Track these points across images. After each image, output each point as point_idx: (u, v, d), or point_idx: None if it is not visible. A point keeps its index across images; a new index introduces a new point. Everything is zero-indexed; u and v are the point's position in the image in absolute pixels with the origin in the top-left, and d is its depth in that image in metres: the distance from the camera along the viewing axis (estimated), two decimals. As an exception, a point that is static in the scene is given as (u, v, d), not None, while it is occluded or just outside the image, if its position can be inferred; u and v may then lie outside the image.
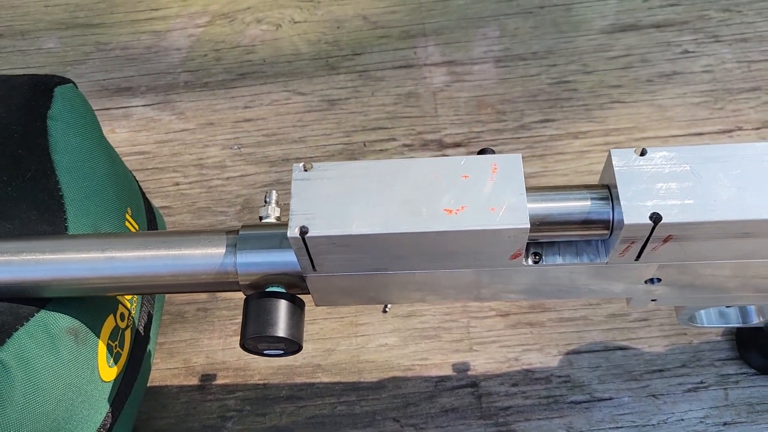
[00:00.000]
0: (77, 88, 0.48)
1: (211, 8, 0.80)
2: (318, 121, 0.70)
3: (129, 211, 0.49)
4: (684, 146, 0.34)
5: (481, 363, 0.55)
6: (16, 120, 0.45)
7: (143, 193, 0.55)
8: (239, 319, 0.58)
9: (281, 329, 0.37)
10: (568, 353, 0.55)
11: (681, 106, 0.68)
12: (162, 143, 0.70)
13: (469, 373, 0.54)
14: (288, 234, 0.34)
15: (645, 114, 0.67)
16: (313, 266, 0.36)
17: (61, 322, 0.41)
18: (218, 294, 0.60)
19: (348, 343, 0.57)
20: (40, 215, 0.43)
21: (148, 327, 0.51)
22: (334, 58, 0.75)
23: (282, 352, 0.39)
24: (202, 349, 0.57)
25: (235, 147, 0.69)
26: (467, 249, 0.34)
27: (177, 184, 0.67)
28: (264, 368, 0.56)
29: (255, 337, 0.37)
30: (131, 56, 0.77)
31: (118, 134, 0.71)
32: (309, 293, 0.40)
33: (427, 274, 0.37)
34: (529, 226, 0.33)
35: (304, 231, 0.34)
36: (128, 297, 0.48)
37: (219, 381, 0.55)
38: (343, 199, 0.34)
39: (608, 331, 0.55)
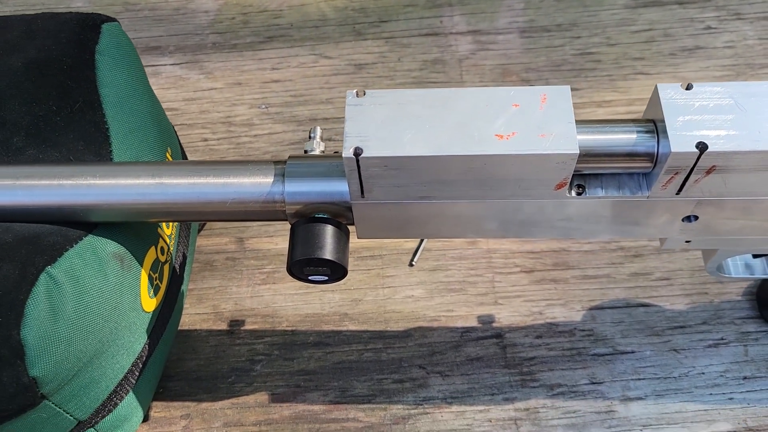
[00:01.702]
0: (121, 27, 0.49)
1: (239, -27, 0.81)
2: (345, 84, 0.71)
3: (169, 150, 0.50)
4: (729, 82, 0.35)
5: (506, 316, 0.56)
6: (66, 52, 0.45)
7: (179, 140, 0.56)
8: (267, 269, 0.59)
9: (329, 252, 0.38)
10: (591, 309, 0.56)
11: (703, 79, 0.69)
12: (190, 101, 0.71)
13: (494, 324, 0.55)
14: (343, 154, 0.35)
15: (668, 85, 0.68)
16: (362, 192, 0.37)
17: (108, 247, 0.41)
18: (246, 244, 0.61)
19: (375, 294, 0.58)
20: (87, 146, 0.44)
21: (182, 267, 0.52)
22: (361, 24, 0.76)
23: (327, 278, 0.40)
24: (231, 297, 0.58)
25: (263, 106, 0.70)
26: (515, 175, 0.35)
27: (205, 139, 0.68)
28: (292, 315, 0.57)
29: (302, 259, 0.38)
30: (159, 17, 0.78)
31: (147, 90, 0.71)
32: (353, 224, 0.40)
33: (471, 204, 0.38)
34: (578, 152, 0.34)
35: (358, 152, 0.35)
36: (168, 232, 0.49)
37: (247, 327, 0.56)
38: (395, 124, 0.35)
39: (631, 289, 0.56)
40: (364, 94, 0.36)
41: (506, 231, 0.41)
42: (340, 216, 0.40)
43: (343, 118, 0.68)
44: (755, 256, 0.48)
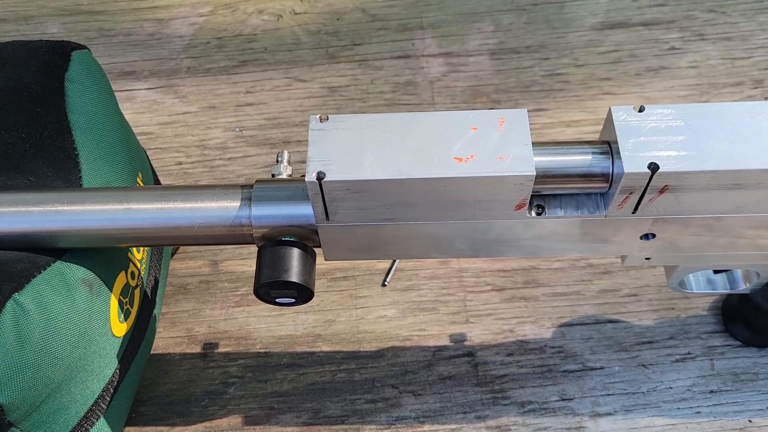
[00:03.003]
0: (92, 54, 0.50)
1: (214, -1, 0.82)
2: (318, 107, 0.72)
3: (140, 175, 0.51)
4: (679, 104, 0.36)
5: (477, 334, 0.56)
6: (35, 80, 0.46)
7: (151, 164, 0.56)
8: (241, 291, 0.60)
9: (295, 275, 0.38)
10: (561, 326, 0.56)
11: (668, 99, 0.71)
12: (165, 125, 0.71)
13: (466, 343, 0.56)
14: (306, 178, 0.35)
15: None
16: (327, 215, 0.38)
17: (77, 272, 0.42)
18: (220, 267, 0.61)
19: (348, 314, 0.58)
20: (56, 172, 0.44)
21: (154, 291, 0.52)
22: (334, 47, 0.77)
23: (293, 300, 0.40)
24: (205, 319, 0.58)
25: (237, 129, 0.71)
26: (475, 197, 0.36)
27: (180, 163, 0.68)
28: (265, 337, 0.57)
29: (269, 282, 0.38)
30: (134, 42, 0.78)
31: (122, 115, 0.72)
32: (320, 246, 0.41)
33: (433, 225, 0.39)
34: (534, 173, 0.35)
35: (321, 176, 0.35)
36: (138, 257, 0.49)
37: (221, 349, 0.57)
38: (357, 148, 0.36)
39: (600, 306, 0.57)
40: (327, 118, 0.37)
41: (471, 251, 0.41)
42: (306, 239, 0.40)
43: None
44: (716, 271, 0.49)
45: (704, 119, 0.36)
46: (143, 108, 0.73)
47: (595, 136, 0.68)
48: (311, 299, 0.40)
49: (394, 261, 0.60)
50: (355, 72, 0.75)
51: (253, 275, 0.60)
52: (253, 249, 0.62)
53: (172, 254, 0.61)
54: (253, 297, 0.59)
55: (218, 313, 0.59)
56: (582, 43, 0.76)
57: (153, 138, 0.70)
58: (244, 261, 0.61)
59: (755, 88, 0.71)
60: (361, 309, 0.58)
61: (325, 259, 0.42)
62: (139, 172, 0.51)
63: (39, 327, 0.39)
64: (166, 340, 0.57)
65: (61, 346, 0.40)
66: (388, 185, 0.36)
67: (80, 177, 0.45)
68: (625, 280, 0.59)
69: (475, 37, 0.77)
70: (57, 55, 0.47)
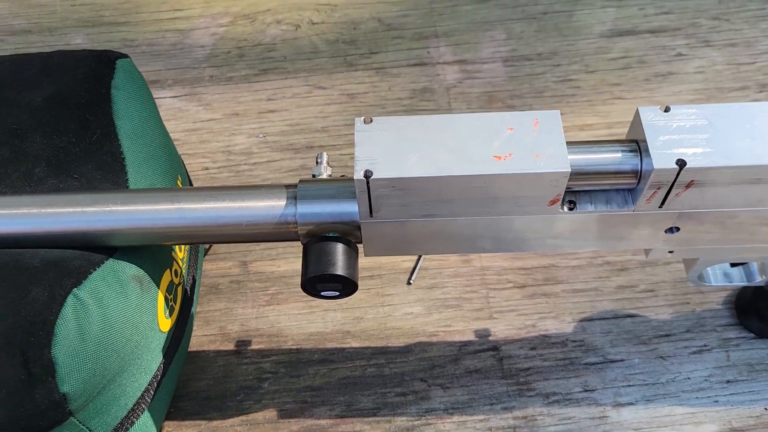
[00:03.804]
0: (133, 62, 0.52)
1: (233, 10, 0.84)
2: (339, 113, 0.74)
3: (179, 178, 0.53)
4: (702, 104, 0.39)
5: (501, 329, 0.59)
6: (84, 87, 0.48)
7: (186, 168, 0.58)
8: (271, 291, 0.62)
9: (340, 268, 0.41)
10: (581, 320, 0.59)
11: (677, 103, 0.73)
12: (190, 131, 0.73)
13: (490, 338, 0.58)
14: (354, 176, 0.38)
15: (644, 109, 0.73)
16: (371, 211, 0.40)
17: (128, 270, 0.44)
18: (250, 267, 0.63)
19: (375, 311, 0.60)
20: (104, 175, 0.46)
21: (192, 289, 0.54)
22: (352, 56, 0.79)
23: (338, 293, 0.42)
24: (237, 318, 0.60)
25: (261, 135, 0.73)
26: (512, 193, 0.39)
27: (206, 168, 0.70)
28: (296, 334, 0.59)
29: (316, 276, 0.41)
30: (157, 52, 0.81)
31: (148, 122, 0.74)
32: (361, 242, 0.43)
33: (469, 221, 0.41)
34: (569, 170, 0.37)
35: (368, 174, 0.38)
36: (180, 256, 0.51)
37: (254, 346, 0.59)
38: (401, 147, 0.38)
39: (618, 301, 0.60)
40: (371, 121, 0.40)
41: (503, 246, 0.44)
42: (349, 235, 0.42)
43: (339, 145, 0.72)
44: (733, 265, 0.51)
45: (727, 118, 0.38)
46: (169, 115, 0.75)
47: (608, 138, 0.71)
48: (355, 292, 0.43)
49: (419, 260, 0.62)
50: (373, 79, 0.77)
51: (283, 275, 0.62)
52: (282, 250, 0.64)
53: (204, 254, 0.63)
54: (284, 296, 0.61)
55: (249, 311, 0.61)
56: (592, 50, 0.78)
57: (179, 144, 0.72)
58: (272, 261, 0.63)
59: (760, 92, 0.73)
60: (388, 306, 0.60)
61: (365, 255, 0.44)
62: (179, 175, 0.53)
63: (97, 320, 0.41)
64: (200, 338, 0.59)
65: (117, 338, 0.42)
66: (430, 182, 0.38)
67: (127, 180, 0.47)
68: (642, 277, 0.61)
69: (488, 45, 0.80)
70: (103, 64, 0.49)
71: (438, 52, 0.79)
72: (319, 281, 0.41)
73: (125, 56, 0.51)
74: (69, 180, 0.46)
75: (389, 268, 0.63)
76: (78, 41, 0.82)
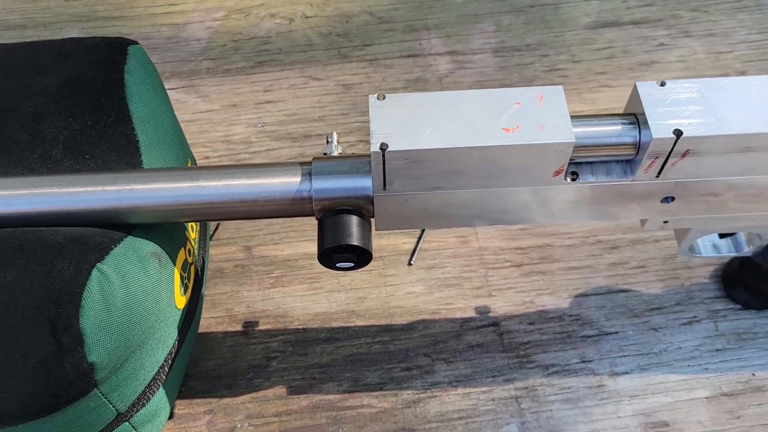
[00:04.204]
0: (143, 49, 0.53)
1: (227, 4, 0.86)
2: (335, 103, 0.76)
3: (189, 161, 0.54)
4: (696, 78, 0.41)
5: (500, 306, 0.61)
6: (98, 72, 0.49)
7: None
8: (276, 273, 0.63)
9: (356, 239, 0.42)
10: (577, 296, 0.61)
11: (660, 90, 0.76)
12: (189, 122, 0.75)
13: (490, 314, 0.60)
14: (371, 149, 0.39)
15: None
16: (384, 184, 0.42)
17: (147, 247, 0.45)
18: (254, 251, 0.65)
19: (378, 291, 0.62)
20: (119, 156, 0.48)
21: (202, 270, 0.55)
22: (346, 48, 0.81)
23: (353, 264, 0.44)
24: (243, 300, 0.62)
25: (259, 125, 0.74)
26: (519, 163, 0.41)
27: (207, 157, 0.72)
28: (302, 315, 0.61)
29: (332, 247, 0.42)
30: (153, 46, 0.82)
31: (147, 113, 0.75)
32: (373, 216, 0.45)
33: (479, 193, 0.43)
34: (574, 140, 0.39)
35: (383, 147, 0.40)
36: (193, 236, 0.52)
37: (261, 327, 0.60)
38: (414, 122, 0.40)
39: (611, 277, 0.62)
40: (384, 97, 0.41)
41: (510, 218, 0.46)
42: (362, 209, 0.44)
43: (338, 133, 0.73)
44: (721, 236, 0.54)
45: (719, 92, 0.41)
46: (167, 107, 0.76)
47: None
48: (369, 262, 0.44)
49: (419, 242, 0.64)
50: (367, 70, 0.79)
51: (286, 259, 0.64)
52: (285, 235, 0.66)
53: (210, 239, 0.64)
54: (288, 278, 0.63)
55: (255, 294, 0.62)
56: (578, 41, 0.81)
57: (179, 134, 0.73)
58: (276, 246, 0.65)
59: (739, 79, 0.76)
60: (390, 286, 0.62)
61: (377, 229, 0.46)
62: (188, 159, 0.54)
63: (121, 293, 0.42)
64: (208, 320, 0.60)
65: (139, 311, 0.43)
66: (443, 154, 0.40)
67: (141, 161, 0.48)
68: (633, 254, 0.64)
69: (478, 36, 0.82)
70: (115, 50, 0.51)
71: (429, 43, 0.81)
72: (335, 252, 0.43)
73: (136, 43, 0.53)
74: (85, 161, 0.47)
75: (390, 250, 0.65)
76: (73, 35, 0.83)
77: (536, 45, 0.81)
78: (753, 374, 0.57)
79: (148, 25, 0.84)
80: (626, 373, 0.57)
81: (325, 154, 0.47)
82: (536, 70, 0.79)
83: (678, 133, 0.39)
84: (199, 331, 0.60)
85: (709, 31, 0.81)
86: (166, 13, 0.85)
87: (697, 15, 0.82)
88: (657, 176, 0.42)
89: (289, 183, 0.44)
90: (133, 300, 0.43)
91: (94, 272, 0.41)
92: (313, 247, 0.65)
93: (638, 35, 0.81)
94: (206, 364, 0.58)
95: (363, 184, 0.43)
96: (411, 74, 0.79)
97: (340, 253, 0.43)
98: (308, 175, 0.44)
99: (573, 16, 0.83)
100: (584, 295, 0.61)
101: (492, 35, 0.82)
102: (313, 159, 0.45)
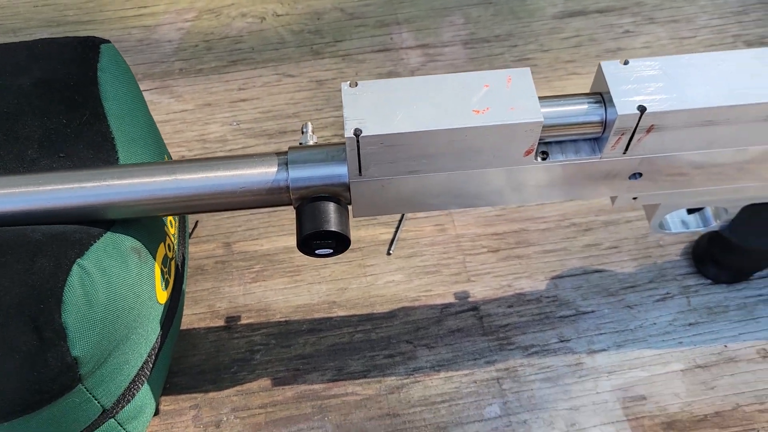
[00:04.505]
0: (115, 47, 0.54)
1: (197, 5, 0.86)
2: (309, 99, 0.77)
3: (166, 157, 0.55)
4: (657, 56, 0.43)
5: (479, 291, 0.62)
6: (71, 71, 0.50)
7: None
8: (256, 268, 0.64)
9: (334, 224, 0.43)
10: (553, 278, 0.62)
11: (627, 76, 0.78)
12: (164, 122, 0.75)
13: (470, 299, 0.61)
14: (345, 135, 0.40)
15: (598, 82, 0.77)
16: (360, 170, 0.43)
17: (126, 242, 0.45)
18: (233, 248, 0.65)
19: (358, 282, 0.63)
20: (96, 154, 0.48)
21: (183, 265, 0.56)
22: (318, 44, 0.82)
23: (332, 250, 0.45)
24: (224, 296, 0.62)
25: (234, 123, 0.75)
26: (491, 144, 0.42)
27: (183, 156, 0.72)
28: (284, 308, 0.61)
29: (312, 233, 0.43)
30: (124, 48, 0.82)
31: (121, 115, 0.75)
32: (350, 203, 0.46)
33: (453, 175, 0.44)
34: (542, 120, 0.41)
35: (357, 132, 0.40)
36: (172, 231, 0.53)
37: (243, 321, 0.60)
38: (387, 107, 0.41)
39: (585, 258, 0.64)
40: (357, 84, 0.42)
41: (484, 199, 0.47)
42: (339, 195, 0.45)
43: (314, 127, 0.74)
44: (689, 212, 0.56)
45: (680, 68, 0.42)
46: (141, 108, 0.76)
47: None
48: (347, 248, 0.45)
49: (396, 231, 0.65)
50: (340, 66, 0.80)
51: (266, 253, 0.65)
52: (264, 230, 0.66)
53: (189, 236, 0.65)
54: (269, 273, 0.63)
55: (236, 289, 0.62)
56: (546, 31, 0.82)
57: (154, 135, 0.73)
58: (255, 241, 0.65)
59: (703, 62, 0.78)
60: (370, 276, 0.63)
61: (354, 216, 0.47)
62: (165, 155, 0.55)
63: (102, 287, 0.42)
64: (190, 317, 0.61)
65: (121, 305, 0.43)
66: (417, 138, 0.41)
67: (117, 158, 0.48)
68: (606, 235, 0.65)
69: (448, 29, 0.83)
70: (88, 48, 0.51)
71: (400, 38, 0.82)
72: (314, 239, 0.44)
73: (108, 41, 0.53)
74: (61, 160, 0.47)
75: (369, 240, 0.65)
76: (43, 36, 0.82)
77: (505, 36, 0.82)
78: (725, 346, 0.58)
79: (118, 28, 0.84)
80: (603, 350, 0.58)
81: (300, 144, 0.48)
82: (506, 60, 0.80)
83: (642, 109, 0.40)
84: (181, 327, 0.60)
85: (672, 17, 0.83)
86: (137, 16, 0.85)
87: (661, 2, 0.84)
88: (624, 153, 0.44)
89: (266, 173, 0.45)
90: (115, 294, 0.43)
91: (75, 268, 0.41)
92: (293, 241, 0.65)
93: (604, 23, 0.83)
94: (190, 360, 0.58)
95: (339, 171, 0.44)
96: (383, 68, 0.79)
97: (319, 239, 0.44)
98: (285, 164, 0.45)
99: (540, 7, 0.85)
100: (560, 276, 0.63)
101: (461, 27, 0.83)
102: (289, 149, 0.46)
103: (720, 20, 0.82)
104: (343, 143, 0.44)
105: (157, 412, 0.55)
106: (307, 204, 0.44)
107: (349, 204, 0.46)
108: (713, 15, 0.83)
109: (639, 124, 0.41)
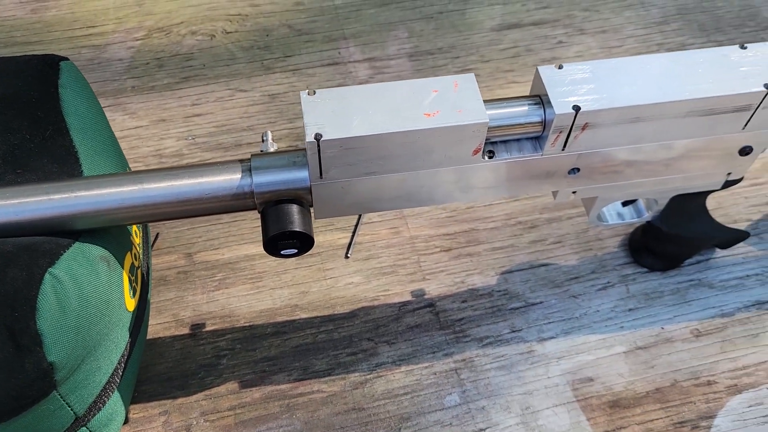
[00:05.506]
0: (74, 64, 0.55)
1: (146, 24, 0.88)
2: (262, 112, 0.79)
3: (128, 169, 0.56)
4: (589, 60, 0.47)
5: (434, 288, 0.65)
6: (33, 88, 0.51)
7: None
8: (218, 276, 0.65)
9: (298, 225, 0.46)
10: (503, 273, 0.66)
11: (563, 83, 0.83)
12: (120, 138, 0.76)
13: (425, 296, 0.65)
14: (306, 140, 0.43)
15: (536, 90, 0.82)
16: (321, 173, 0.46)
17: (95, 251, 0.47)
18: (195, 258, 0.66)
19: (319, 285, 0.65)
20: (60, 168, 0.49)
21: (148, 275, 0.57)
22: (268, 60, 0.84)
23: (297, 250, 0.47)
24: (188, 304, 0.63)
25: (190, 137, 0.76)
26: (441, 145, 0.45)
27: (139, 171, 0.73)
28: (247, 313, 0.63)
29: (277, 234, 0.45)
30: (75, 68, 0.82)
31: (75, 133, 0.76)
32: (312, 206, 0.48)
33: (407, 175, 0.47)
34: (488, 120, 0.44)
35: (318, 137, 0.43)
36: (137, 241, 0.54)
37: (208, 328, 0.62)
38: (344, 113, 0.44)
39: (532, 254, 0.68)
40: (315, 93, 0.45)
41: (437, 197, 0.50)
42: (301, 198, 0.47)
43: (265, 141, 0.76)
44: (624, 204, 0.60)
45: (609, 71, 0.46)
46: (95, 126, 0.77)
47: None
48: (311, 248, 0.48)
49: (353, 236, 0.68)
50: (291, 80, 0.82)
51: (228, 262, 0.66)
52: (224, 240, 0.68)
53: (151, 247, 0.66)
54: (231, 280, 0.65)
55: (200, 297, 0.64)
56: (485, 42, 0.87)
57: (110, 151, 0.74)
58: (216, 250, 0.67)
59: (631, 69, 0.84)
60: (330, 279, 0.66)
61: (316, 218, 0.50)
62: (127, 167, 0.56)
63: (74, 295, 0.44)
64: (155, 326, 0.62)
65: (93, 312, 0.45)
66: (373, 140, 0.44)
67: (81, 171, 0.50)
68: (550, 231, 0.69)
69: (393, 43, 0.87)
70: (48, 66, 0.52)
71: (348, 52, 0.86)
72: (280, 239, 0.46)
73: (67, 59, 0.54)
74: (26, 174, 0.48)
75: (327, 245, 0.68)
76: (-9, 62, 0.82)
77: (447, 48, 0.86)
78: (662, 328, 0.63)
79: (68, 48, 0.85)
80: (552, 337, 0.62)
81: (262, 151, 0.50)
82: (449, 71, 0.84)
83: (576, 108, 0.45)
84: (148, 338, 0.61)
85: (600, 28, 0.89)
86: (86, 36, 0.86)
87: (589, 14, 0.90)
88: (563, 149, 0.48)
89: (230, 180, 0.47)
90: (87, 302, 0.44)
91: (47, 276, 0.43)
92: (253, 249, 0.67)
93: (539, 35, 0.88)
94: (157, 368, 0.59)
95: (300, 175, 0.47)
96: (333, 81, 0.82)
97: (284, 239, 0.46)
98: (248, 171, 0.47)
99: (479, 20, 0.89)
100: (509, 271, 0.66)
101: (406, 41, 0.87)
102: (252, 156, 0.48)
103: (644, 30, 0.88)
104: (303, 149, 0.47)
105: (126, 420, 0.56)
106: (271, 207, 0.47)
107: (311, 206, 0.49)
108: (638, 25, 0.89)
109: (574, 123, 0.45)
